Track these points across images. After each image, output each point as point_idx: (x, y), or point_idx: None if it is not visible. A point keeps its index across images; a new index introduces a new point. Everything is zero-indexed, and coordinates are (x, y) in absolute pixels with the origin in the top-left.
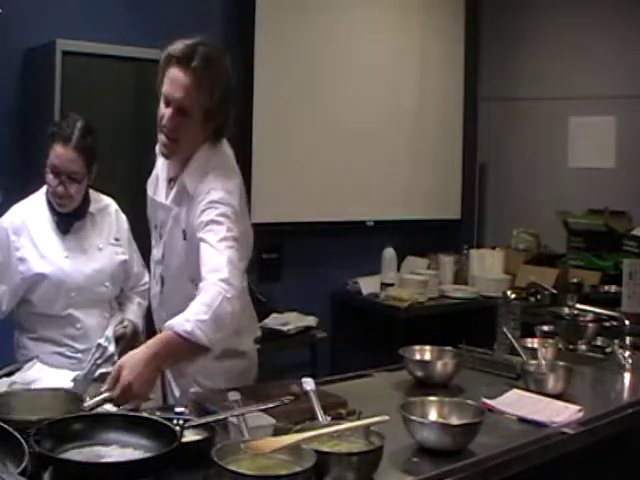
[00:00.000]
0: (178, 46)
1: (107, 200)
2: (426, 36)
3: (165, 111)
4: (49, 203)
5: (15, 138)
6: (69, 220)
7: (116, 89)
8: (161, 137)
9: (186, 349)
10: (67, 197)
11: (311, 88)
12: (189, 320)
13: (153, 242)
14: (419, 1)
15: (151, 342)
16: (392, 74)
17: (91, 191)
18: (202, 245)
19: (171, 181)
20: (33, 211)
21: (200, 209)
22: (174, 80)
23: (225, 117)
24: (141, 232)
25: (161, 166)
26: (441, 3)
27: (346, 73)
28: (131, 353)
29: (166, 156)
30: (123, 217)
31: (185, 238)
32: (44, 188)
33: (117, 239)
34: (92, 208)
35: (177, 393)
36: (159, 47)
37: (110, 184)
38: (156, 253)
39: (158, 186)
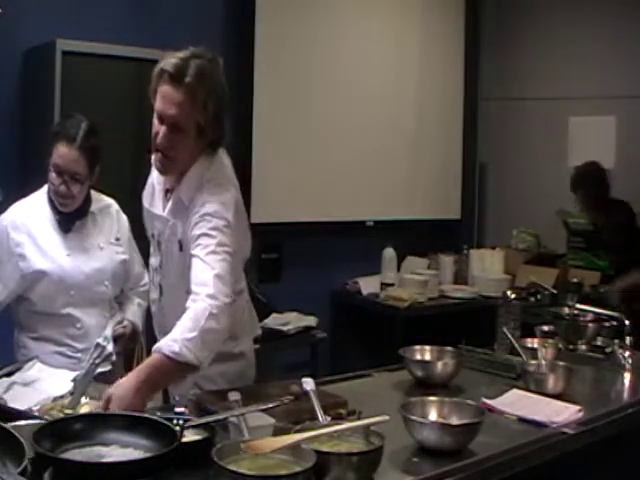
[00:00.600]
0: (171, 61)
1: (108, 200)
2: (426, 36)
3: (159, 128)
4: (51, 202)
5: (15, 138)
6: (70, 219)
7: (116, 89)
8: (157, 154)
9: (175, 369)
10: (69, 197)
11: (311, 88)
12: (176, 340)
13: (151, 250)
14: (419, 1)
15: (140, 368)
16: (392, 74)
17: (92, 191)
18: (192, 259)
19: (167, 192)
20: (34, 209)
21: (193, 222)
22: (167, 97)
23: (220, 129)
24: (141, 232)
25: (157, 177)
26: (441, 3)
27: (346, 73)
28: (120, 382)
29: (162, 173)
30: (124, 217)
31: (181, 249)
32: (45, 187)
33: (118, 239)
34: (93, 208)
35: (177, 396)
36: (159, 47)
37: (109, 184)
38: (154, 261)
39: (154, 197)
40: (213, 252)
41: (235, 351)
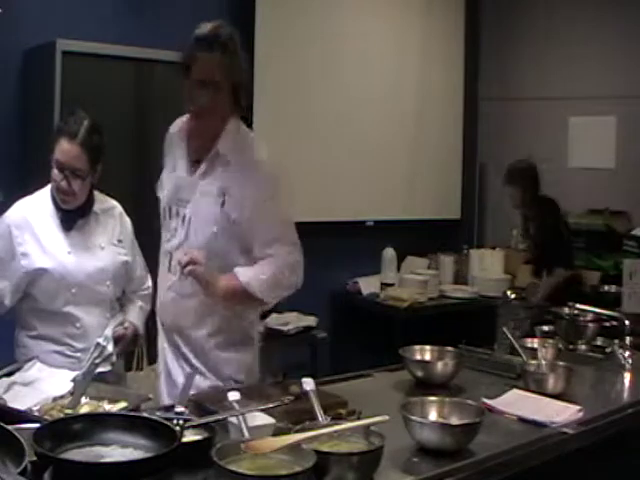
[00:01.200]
0: (202, 30)
1: (113, 202)
2: (426, 36)
3: (198, 91)
4: (54, 199)
5: (15, 138)
6: (73, 217)
7: (116, 89)
8: (191, 122)
9: (239, 292)
10: (71, 193)
11: (311, 88)
12: (249, 272)
13: (169, 236)
14: (419, 1)
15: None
16: (392, 74)
17: (96, 192)
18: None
19: (195, 163)
20: (37, 207)
21: (259, 182)
22: (206, 62)
23: (248, 95)
24: (142, 233)
25: (182, 154)
26: (441, 3)
27: (346, 73)
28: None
29: (196, 134)
30: (127, 220)
31: (223, 205)
32: (50, 185)
33: (120, 240)
34: (96, 208)
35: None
36: (159, 47)
37: (109, 184)
38: (175, 241)
39: (177, 168)
40: (291, 243)
41: (252, 335)
